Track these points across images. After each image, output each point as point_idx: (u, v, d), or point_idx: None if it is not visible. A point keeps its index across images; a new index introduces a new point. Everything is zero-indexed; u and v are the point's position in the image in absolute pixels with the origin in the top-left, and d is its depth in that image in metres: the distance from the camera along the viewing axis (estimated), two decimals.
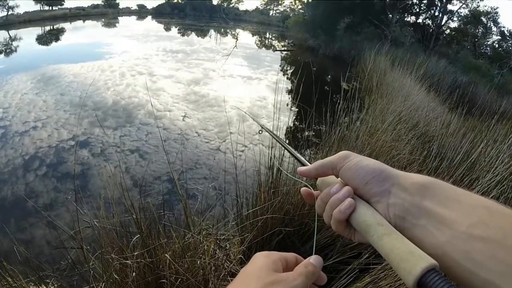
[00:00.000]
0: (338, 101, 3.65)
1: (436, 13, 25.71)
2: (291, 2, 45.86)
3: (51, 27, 30.19)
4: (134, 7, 71.94)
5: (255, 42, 27.17)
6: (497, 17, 22.17)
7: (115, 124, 6.21)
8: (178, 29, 33.14)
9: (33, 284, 2.25)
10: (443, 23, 24.98)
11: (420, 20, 25.85)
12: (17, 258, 2.30)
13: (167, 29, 33.32)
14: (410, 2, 25.58)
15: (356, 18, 23.48)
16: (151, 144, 5.41)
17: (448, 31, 24.82)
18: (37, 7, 61.03)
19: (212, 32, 33.20)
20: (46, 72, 10.73)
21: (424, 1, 25.06)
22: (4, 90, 8.34)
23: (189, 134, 5.86)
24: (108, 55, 14.03)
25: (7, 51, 17.82)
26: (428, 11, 26.55)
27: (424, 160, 3.73)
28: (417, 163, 3.67)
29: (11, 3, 58.06)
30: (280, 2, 68.33)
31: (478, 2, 22.85)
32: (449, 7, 24.77)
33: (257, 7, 73.59)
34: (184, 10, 62.03)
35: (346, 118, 3.69)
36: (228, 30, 37.12)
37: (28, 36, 21.69)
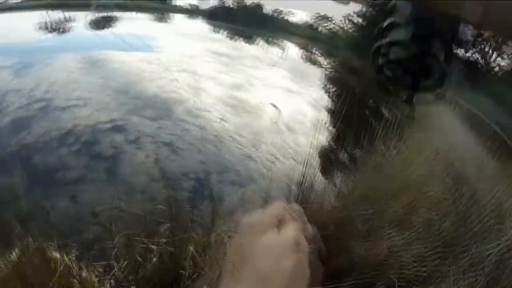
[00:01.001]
0: (378, 127, 3.62)
1: (486, 49, 25.41)
2: (341, 21, 45.81)
3: (106, 14, 31.46)
4: (187, 6, 74.11)
5: (301, 56, 27.25)
6: None
7: (153, 115, 6.38)
8: (227, 33, 33.68)
9: (53, 248, 2.33)
10: (492, 59, 24.58)
11: (469, 54, 25.72)
12: (42, 221, 2.39)
13: (217, 31, 33.92)
14: (467, 39, 25.39)
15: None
16: (186, 140, 5.51)
17: (498, 69, 24.45)
18: None
19: (260, 40, 33.54)
20: (94, 55, 11.18)
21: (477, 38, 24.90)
22: (52, 66, 8.78)
23: (223, 136, 5.93)
24: (156, 48, 14.47)
25: (60, 30, 18.75)
26: (478, 46, 26.29)
27: (454, 201, 3.63)
28: (446, 203, 3.57)
29: None
30: (330, 19, 68.47)
31: None
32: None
33: (307, 21, 74.06)
34: (235, 15, 63.20)
35: (382, 146, 3.65)
36: (275, 41, 37.41)
37: (81, 19, 22.57)
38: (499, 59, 24.77)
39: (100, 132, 5.42)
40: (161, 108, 6.84)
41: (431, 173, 3.79)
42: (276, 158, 4.83)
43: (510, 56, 23.79)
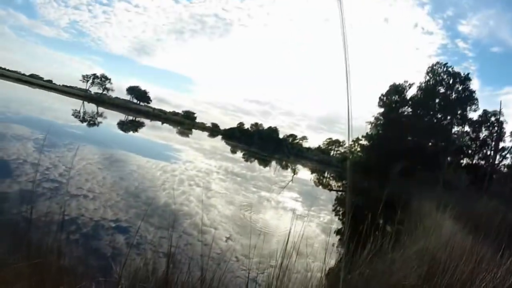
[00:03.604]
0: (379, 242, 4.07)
1: (489, 153, 26.53)
2: (351, 144, 49.00)
3: (134, 118, 33.71)
4: (209, 124, 79.42)
5: (313, 179, 28.11)
6: None
7: (159, 223, 6.30)
8: (243, 154, 35.24)
9: None
10: (496, 161, 25.31)
11: (475, 161, 26.70)
12: None
13: (233, 152, 35.66)
14: (464, 144, 26.93)
15: (409, 163, 24.23)
16: (187, 254, 5.34)
17: (504, 169, 25.28)
18: (128, 97, 69.97)
19: (273, 163, 34.89)
20: (115, 154, 11.72)
21: (477, 142, 26.69)
22: (73, 153, 9.12)
23: (228, 256, 5.74)
24: (174, 160, 15.06)
25: (90, 122, 20.19)
26: (480, 152, 27.24)
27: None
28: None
29: (108, 85, 67.83)
30: (341, 143, 72.87)
31: None
32: (502, 144, 26.05)
33: (319, 146, 78.28)
34: (252, 137, 66.80)
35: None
36: (288, 164, 38.97)
37: (111, 118, 24.13)
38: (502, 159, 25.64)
39: (102, 228, 5.33)
40: (168, 218, 6.79)
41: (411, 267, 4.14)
42: (282, 282, 4.58)
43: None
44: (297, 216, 10.49)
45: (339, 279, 4.25)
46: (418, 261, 4.43)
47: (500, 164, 26.65)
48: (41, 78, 73.81)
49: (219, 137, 61.83)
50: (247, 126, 77.03)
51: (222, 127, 76.75)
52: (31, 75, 73.77)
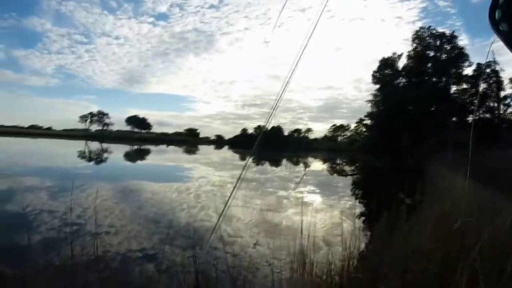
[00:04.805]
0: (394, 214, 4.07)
1: (492, 104, 26.17)
2: (356, 126, 49.21)
3: (139, 146, 33.90)
4: (213, 137, 79.83)
5: (326, 169, 28.10)
6: None
7: (185, 244, 6.30)
8: (253, 159, 35.16)
9: None
10: (501, 111, 25.11)
11: (480, 116, 26.58)
12: None
13: (242, 158, 35.67)
14: (465, 101, 26.66)
15: (415, 132, 24.11)
16: (219, 268, 5.33)
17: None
18: (128, 128, 70.58)
19: (284, 161, 34.88)
20: (128, 185, 11.81)
21: (478, 97, 26.56)
22: (87, 193, 9.27)
23: (259, 262, 5.73)
24: (186, 179, 15.13)
25: (97, 159, 20.44)
26: (483, 105, 27.00)
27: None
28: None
29: (107, 121, 68.71)
30: (346, 127, 72.98)
31: None
32: (503, 93, 25.79)
33: (325, 135, 78.38)
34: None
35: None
36: (300, 159, 38.99)
37: (117, 151, 24.32)
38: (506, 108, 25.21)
39: (130, 260, 5.36)
40: (192, 237, 6.79)
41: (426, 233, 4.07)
42: (320, 278, 4.57)
43: None
44: (318, 208, 10.47)
45: (356, 257, 4.34)
46: (433, 226, 4.47)
47: (506, 113, 26.30)
48: (41, 127, 75.00)
49: (226, 147, 62.00)
50: (250, 131, 77.30)
51: (226, 137, 77.16)
52: (31, 126, 74.97)
